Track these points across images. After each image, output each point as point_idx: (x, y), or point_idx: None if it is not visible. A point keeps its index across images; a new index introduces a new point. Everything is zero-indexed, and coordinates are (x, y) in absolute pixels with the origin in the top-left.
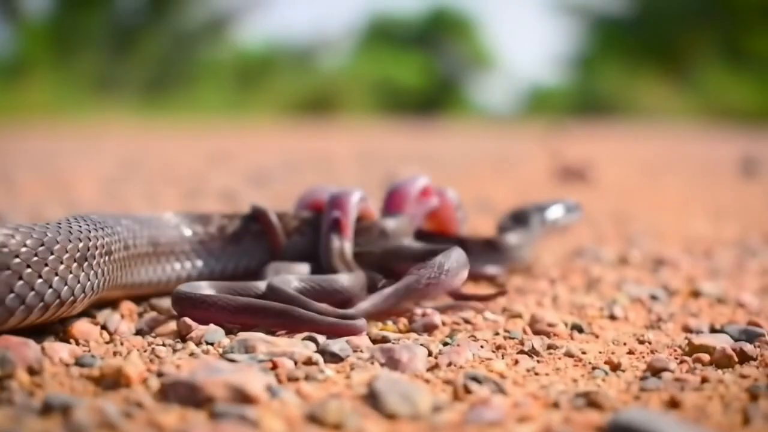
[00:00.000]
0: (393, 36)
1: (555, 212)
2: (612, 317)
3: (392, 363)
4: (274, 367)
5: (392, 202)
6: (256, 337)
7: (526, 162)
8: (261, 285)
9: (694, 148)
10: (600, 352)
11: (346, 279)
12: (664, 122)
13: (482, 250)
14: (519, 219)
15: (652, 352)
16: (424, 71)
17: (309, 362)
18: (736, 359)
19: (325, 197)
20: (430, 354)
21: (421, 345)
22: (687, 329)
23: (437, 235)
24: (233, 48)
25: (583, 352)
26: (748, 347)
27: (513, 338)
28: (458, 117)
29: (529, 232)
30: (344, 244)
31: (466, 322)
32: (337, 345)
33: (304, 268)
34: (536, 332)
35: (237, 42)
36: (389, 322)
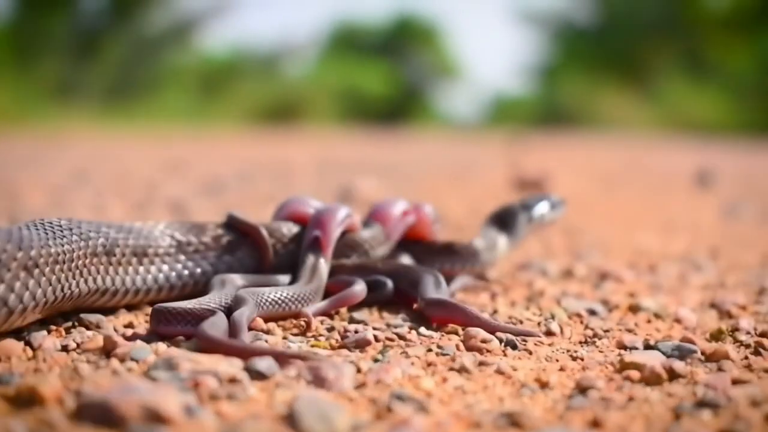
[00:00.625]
0: (358, 44)
1: (541, 209)
2: (549, 333)
3: (318, 381)
4: (196, 385)
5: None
6: (181, 355)
7: (486, 172)
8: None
9: (652, 160)
10: (531, 369)
11: (288, 283)
12: (626, 133)
13: (446, 254)
14: (505, 217)
15: (583, 369)
16: (389, 79)
17: (233, 380)
18: (666, 377)
19: (303, 208)
20: (359, 371)
21: (351, 362)
22: (621, 345)
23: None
24: (197, 54)
25: (514, 369)
26: (679, 365)
27: (445, 355)
28: (423, 126)
29: (501, 235)
30: (320, 262)
31: (400, 337)
32: (264, 363)
33: (243, 279)
34: (469, 348)
35: (201, 48)
36: (321, 338)
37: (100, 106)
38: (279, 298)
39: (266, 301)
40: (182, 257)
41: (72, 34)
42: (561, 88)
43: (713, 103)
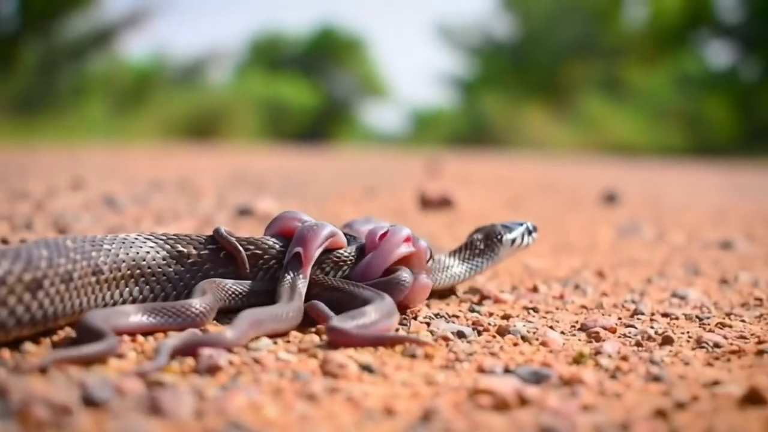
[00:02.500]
0: (280, 56)
1: (517, 233)
2: (412, 356)
3: (155, 410)
4: (23, 414)
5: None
6: (15, 382)
7: (398, 187)
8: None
9: (565, 179)
10: (383, 396)
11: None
12: (545, 151)
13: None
14: (488, 238)
15: (435, 395)
16: (312, 92)
17: (65, 410)
18: (516, 403)
19: (293, 224)
20: (202, 398)
21: (194, 389)
22: (481, 370)
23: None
24: (116, 64)
25: (366, 395)
26: (531, 391)
27: (300, 380)
28: (347, 139)
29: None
30: (297, 278)
31: (256, 362)
32: (105, 390)
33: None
34: (326, 373)
35: (120, 58)
36: (174, 363)
37: (9, 118)
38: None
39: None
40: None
41: None
42: (481, 104)
43: (630, 123)
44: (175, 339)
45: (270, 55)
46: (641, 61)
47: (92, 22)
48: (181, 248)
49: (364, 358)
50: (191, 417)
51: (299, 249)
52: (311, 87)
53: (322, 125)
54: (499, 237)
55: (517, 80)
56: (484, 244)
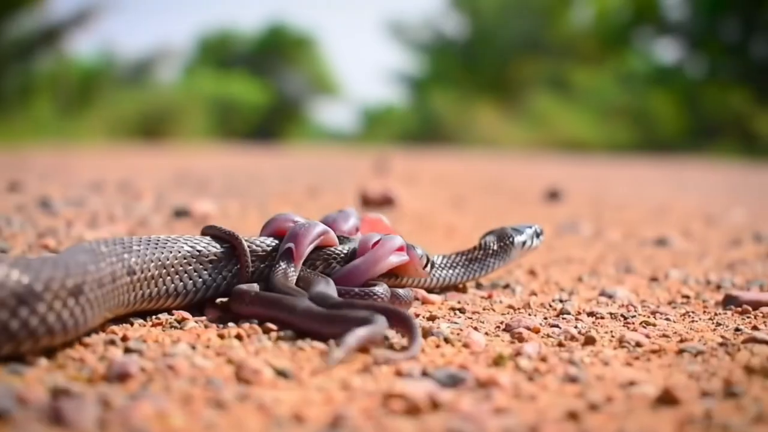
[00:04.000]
0: (231, 55)
1: (528, 236)
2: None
3: (57, 420)
4: None
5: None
6: None
7: (343, 186)
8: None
9: (512, 176)
10: (295, 402)
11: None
12: (495, 149)
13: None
14: (500, 239)
15: (349, 400)
16: (263, 91)
17: None
18: (427, 408)
19: (286, 225)
20: (109, 407)
21: (101, 398)
22: (399, 373)
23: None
24: (63, 64)
25: (278, 402)
26: (444, 395)
27: (212, 387)
28: (298, 137)
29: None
30: (289, 269)
31: (170, 368)
32: (6, 400)
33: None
34: (240, 379)
35: (67, 58)
36: (84, 370)
37: None
38: None
39: None
40: None
41: None
42: (432, 102)
43: (578, 120)
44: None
45: (219, 54)
46: (588, 58)
47: (39, 21)
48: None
49: (281, 363)
50: (94, 427)
51: (291, 245)
52: (261, 85)
53: (273, 124)
54: (511, 239)
55: (468, 78)
56: (497, 245)
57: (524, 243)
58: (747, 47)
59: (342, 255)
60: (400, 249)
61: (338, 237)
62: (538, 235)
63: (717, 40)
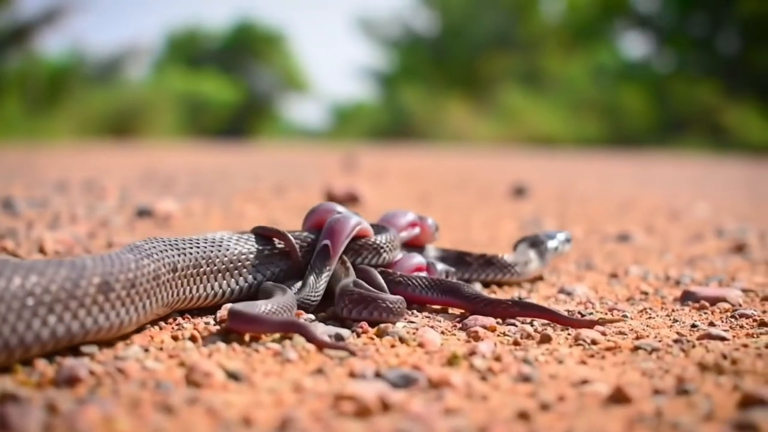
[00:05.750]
0: (200, 52)
1: (560, 240)
2: (287, 361)
3: (3, 426)
4: None
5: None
6: None
7: (309, 184)
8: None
9: (480, 172)
10: (245, 405)
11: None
12: (466, 145)
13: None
14: (535, 244)
15: (300, 402)
16: (233, 88)
17: None
18: (377, 409)
19: (328, 216)
20: (55, 412)
21: (48, 403)
22: (352, 374)
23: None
24: (32, 62)
25: (228, 405)
26: (396, 396)
27: (161, 390)
28: (269, 134)
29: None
30: (324, 267)
31: (120, 372)
32: None
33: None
34: (190, 383)
35: (36, 56)
36: (33, 374)
37: None
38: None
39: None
40: None
41: None
42: (402, 98)
43: (548, 114)
44: None
45: (188, 51)
46: (558, 52)
47: (7, 19)
48: None
49: (233, 365)
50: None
51: (327, 241)
52: (231, 82)
53: (243, 121)
54: (545, 245)
55: (438, 73)
56: (537, 251)
57: (556, 248)
58: (715, 42)
59: (377, 245)
60: (413, 224)
61: (373, 227)
62: (568, 240)
63: (686, 35)
